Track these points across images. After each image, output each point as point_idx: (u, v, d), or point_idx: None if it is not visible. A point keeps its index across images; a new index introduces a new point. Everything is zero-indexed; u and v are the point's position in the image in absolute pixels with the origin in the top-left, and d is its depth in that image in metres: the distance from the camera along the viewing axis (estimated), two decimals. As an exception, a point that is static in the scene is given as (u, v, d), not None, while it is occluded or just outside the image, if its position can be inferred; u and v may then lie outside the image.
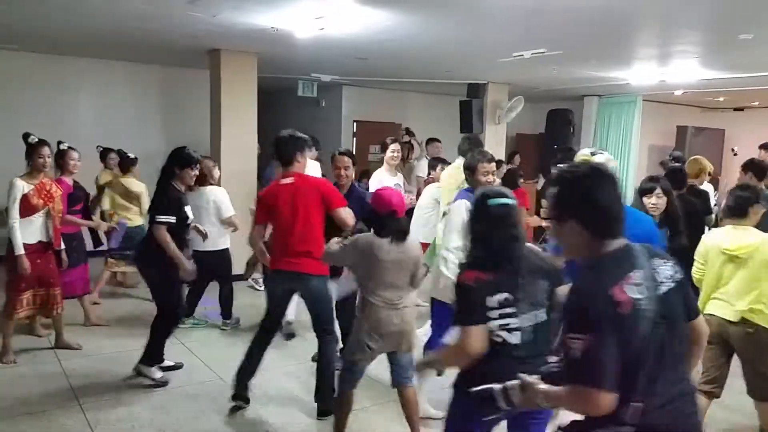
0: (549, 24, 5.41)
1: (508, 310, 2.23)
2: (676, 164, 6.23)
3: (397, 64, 7.93)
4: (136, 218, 6.19)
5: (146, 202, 5.96)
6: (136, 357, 4.35)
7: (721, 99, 11.47)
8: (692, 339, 1.87)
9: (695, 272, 3.56)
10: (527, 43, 6.34)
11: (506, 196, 2.40)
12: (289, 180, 3.85)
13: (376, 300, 3.17)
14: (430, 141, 8.01)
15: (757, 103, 11.88)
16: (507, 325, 2.24)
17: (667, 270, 1.76)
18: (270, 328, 3.95)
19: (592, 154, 3.31)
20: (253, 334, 3.97)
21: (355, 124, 10.68)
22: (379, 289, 3.17)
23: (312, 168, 5.01)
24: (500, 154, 9.31)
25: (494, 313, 2.22)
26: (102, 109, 8.64)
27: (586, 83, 9.44)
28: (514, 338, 2.24)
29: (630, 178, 10.51)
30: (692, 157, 6.46)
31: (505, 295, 2.23)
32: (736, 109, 12.51)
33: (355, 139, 10.66)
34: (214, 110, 7.50)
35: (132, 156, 6.39)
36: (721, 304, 3.40)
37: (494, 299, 2.22)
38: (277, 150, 3.95)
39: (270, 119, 9.72)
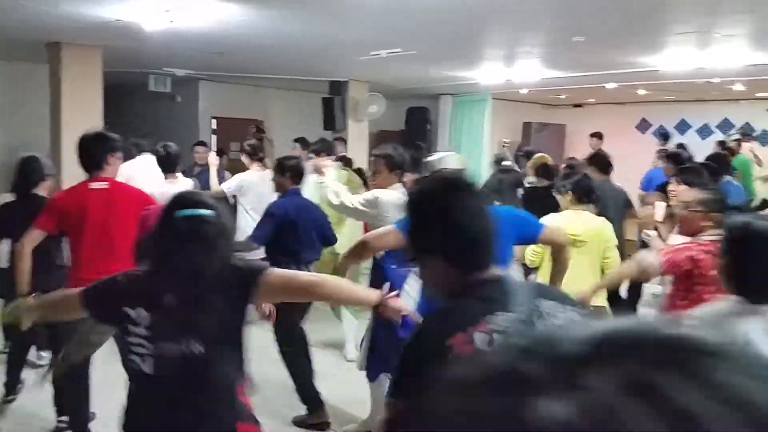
0: (402, 24, 5.57)
1: (141, 330, 1.86)
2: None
3: (255, 59, 7.79)
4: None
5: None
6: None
7: (562, 96, 12.47)
8: None
9: (531, 255, 3.76)
10: (383, 42, 6.49)
11: (203, 205, 1.90)
12: (101, 185, 3.36)
13: None
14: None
15: (593, 100, 13.05)
16: (138, 348, 1.86)
17: (561, 317, 1.31)
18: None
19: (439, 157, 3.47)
20: None
21: (214, 120, 10.35)
22: None
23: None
24: (363, 150, 9.45)
25: (132, 328, 1.86)
26: None
27: (440, 82, 9.85)
28: (147, 367, 1.85)
29: (483, 172, 11.11)
30: (538, 154, 6.97)
31: (143, 312, 1.86)
32: (575, 106, 13.64)
33: (214, 136, 10.32)
34: (54, 107, 6.92)
35: None
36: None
37: (133, 312, 1.87)
38: (81, 151, 3.42)
39: (120, 116, 9.12)
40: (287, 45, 6.65)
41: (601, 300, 3.72)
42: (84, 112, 6.87)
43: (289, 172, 4.28)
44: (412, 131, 11.52)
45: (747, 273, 1.84)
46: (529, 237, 3.01)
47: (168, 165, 5.20)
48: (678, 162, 5.97)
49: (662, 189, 5.29)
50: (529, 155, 7.72)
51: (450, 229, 1.36)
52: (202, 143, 7.78)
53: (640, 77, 8.77)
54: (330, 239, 4.41)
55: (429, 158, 3.17)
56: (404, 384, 1.30)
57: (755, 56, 6.80)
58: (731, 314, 1.82)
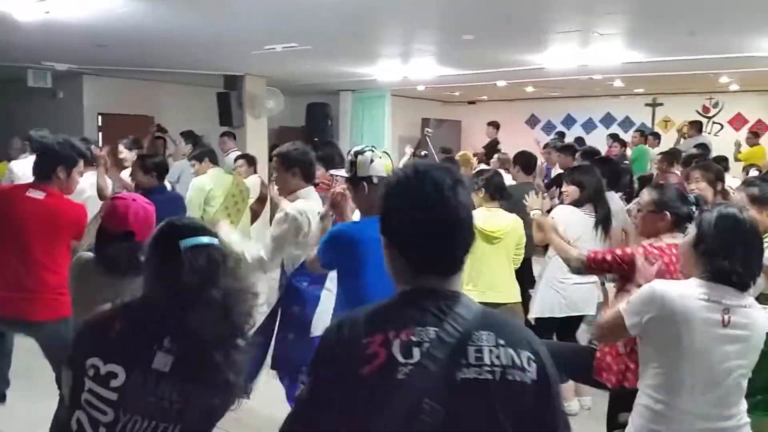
0: (296, 18, 5.52)
1: (100, 390, 1.48)
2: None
3: (143, 53, 7.45)
4: None
5: None
6: None
7: (457, 94, 12.85)
8: None
9: None
10: (278, 36, 6.41)
11: (205, 232, 1.61)
12: (38, 194, 3.14)
13: None
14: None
15: (486, 97, 13.54)
16: (91, 409, 1.49)
17: (496, 355, 1.18)
18: None
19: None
20: None
21: (100, 117, 9.81)
22: None
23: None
24: (263, 147, 9.29)
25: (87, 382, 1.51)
26: None
27: (339, 78, 9.86)
28: None
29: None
30: (462, 152, 7.17)
31: (108, 366, 1.48)
32: (469, 103, 14.10)
33: (101, 133, 9.78)
34: None
35: None
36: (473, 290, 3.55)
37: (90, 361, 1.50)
38: (38, 157, 3.26)
39: (-5, 113, 8.48)
40: (177, 38, 6.41)
41: (514, 296, 3.88)
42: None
43: (155, 171, 4.11)
44: (313, 127, 11.46)
45: (724, 259, 1.98)
46: None
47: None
48: (573, 153, 6.26)
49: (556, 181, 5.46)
50: (447, 153, 8.05)
51: (411, 217, 1.23)
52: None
53: (528, 75, 9.18)
54: None
55: (360, 157, 2.54)
56: (316, 369, 1.27)
57: (631, 54, 7.29)
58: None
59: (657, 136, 10.34)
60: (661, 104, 12.28)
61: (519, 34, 6.31)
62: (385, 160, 2.58)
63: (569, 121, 13.23)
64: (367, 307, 1.26)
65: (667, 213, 2.68)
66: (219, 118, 9.14)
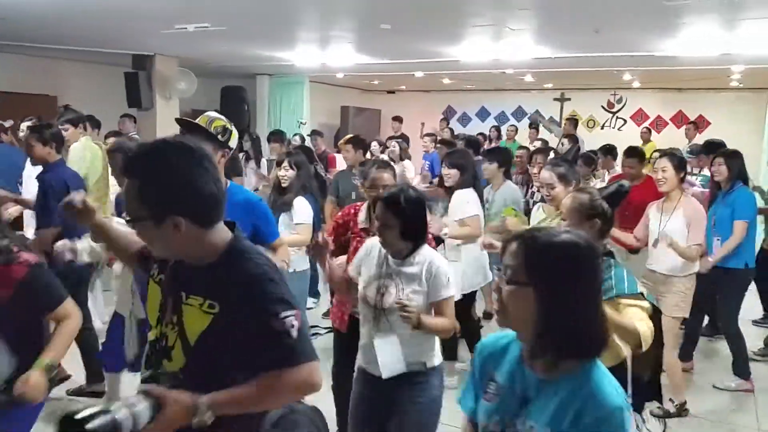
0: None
1: None
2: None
3: (44, 27, 7.00)
4: None
5: None
6: None
7: (376, 83, 12.90)
8: None
9: None
10: (190, 15, 6.20)
11: None
12: None
13: None
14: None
15: (404, 87, 13.67)
16: None
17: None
18: None
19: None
20: None
21: (-3, 95, 9.15)
22: None
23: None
24: (174, 131, 8.93)
25: None
26: None
27: (256, 62, 9.66)
28: None
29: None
30: None
31: None
32: (389, 92, 14.19)
33: (-3, 112, 9.14)
34: None
35: None
36: None
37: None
38: None
39: None
40: (81, 12, 6.06)
41: None
42: None
43: (54, 142, 3.90)
44: (228, 111, 11.04)
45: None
46: None
47: None
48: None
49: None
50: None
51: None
52: None
53: (444, 67, 9.36)
54: None
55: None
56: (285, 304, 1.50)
57: (540, 50, 7.57)
58: None
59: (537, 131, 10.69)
60: (568, 99, 12.84)
61: (435, 26, 6.41)
62: None
63: (483, 113, 13.60)
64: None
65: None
66: (127, 99, 8.75)
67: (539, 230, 1.40)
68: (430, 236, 2.78)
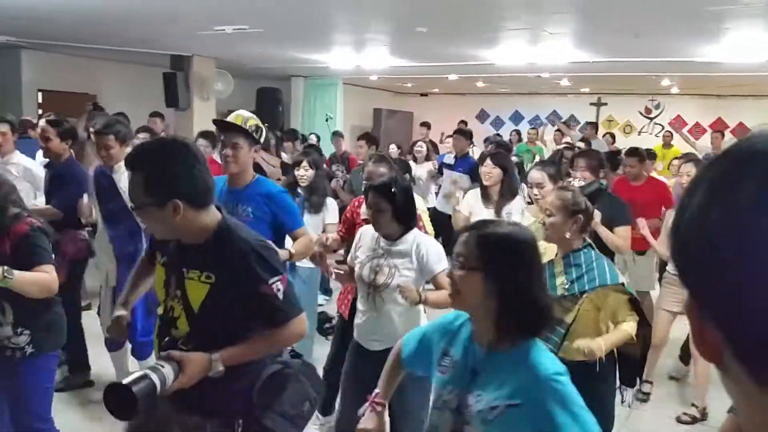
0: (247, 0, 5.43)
1: None
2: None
3: (86, 28, 7.17)
4: None
5: None
6: None
7: (409, 85, 12.89)
8: None
9: None
10: (228, 17, 6.27)
11: None
12: None
13: None
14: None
15: (437, 90, 13.63)
16: None
17: None
18: None
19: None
20: None
21: (40, 93, 9.41)
22: None
23: None
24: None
25: None
26: None
27: (291, 64, 9.74)
28: None
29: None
30: None
31: None
32: (421, 95, 14.17)
33: (41, 110, 9.39)
34: None
35: None
36: None
37: None
38: None
39: None
40: (121, 13, 6.19)
41: None
42: None
43: (71, 139, 3.94)
44: (263, 112, 11.21)
45: None
46: None
47: None
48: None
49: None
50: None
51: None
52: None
53: (479, 70, 9.30)
54: None
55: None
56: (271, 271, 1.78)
57: (578, 54, 7.47)
58: None
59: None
60: (605, 104, 12.65)
61: (471, 30, 6.37)
62: None
63: (517, 117, 13.48)
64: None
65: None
66: (165, 99, 8.90)
67: (488, 223, 1.63)
68: (420, 224, 3.06)
